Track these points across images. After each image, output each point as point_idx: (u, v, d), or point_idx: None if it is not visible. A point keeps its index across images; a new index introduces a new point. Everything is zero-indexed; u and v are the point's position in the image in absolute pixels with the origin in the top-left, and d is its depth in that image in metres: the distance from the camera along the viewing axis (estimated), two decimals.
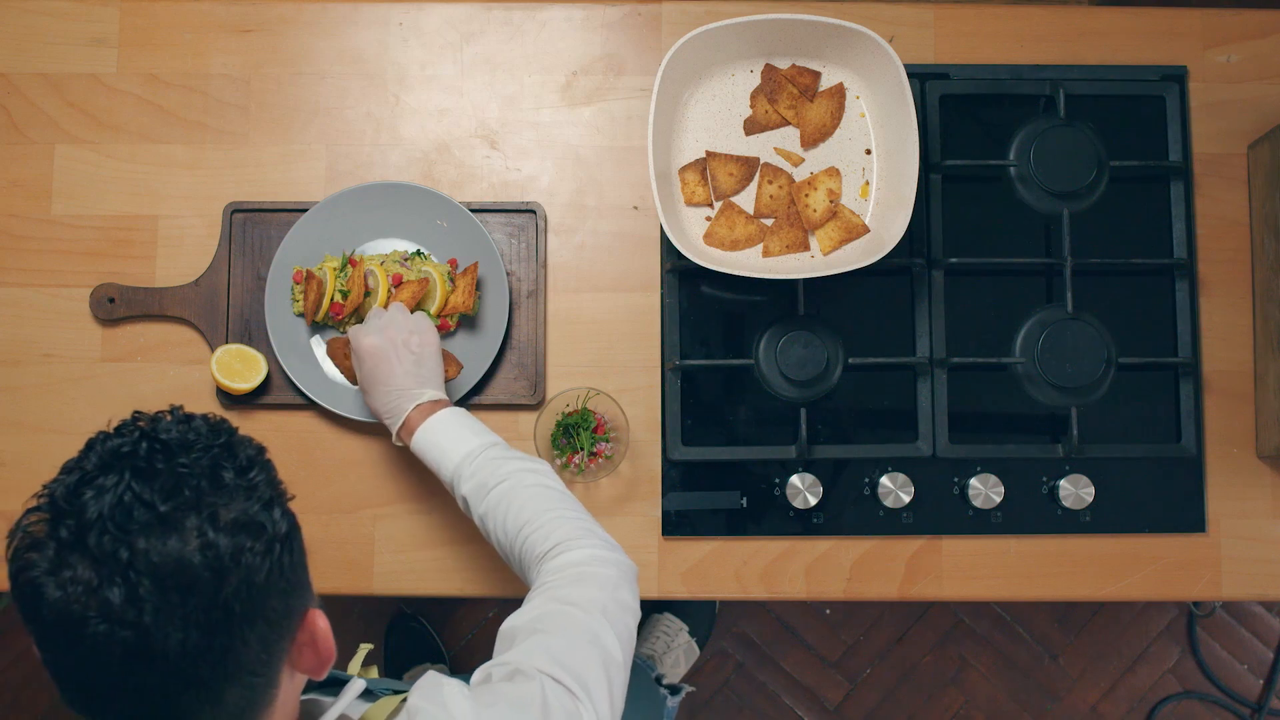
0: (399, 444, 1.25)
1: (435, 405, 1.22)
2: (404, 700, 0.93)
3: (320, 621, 0.84)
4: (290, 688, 0.85)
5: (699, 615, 2.13)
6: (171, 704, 0.76)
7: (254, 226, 1.42)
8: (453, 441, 1.19)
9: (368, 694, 1.02)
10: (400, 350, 1.24)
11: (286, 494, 0.83)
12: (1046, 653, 2.26)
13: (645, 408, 1.40)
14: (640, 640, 2.08)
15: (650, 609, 2.14)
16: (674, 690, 1.71)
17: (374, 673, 1.41)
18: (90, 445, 0.80)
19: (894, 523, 1.38)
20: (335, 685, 1.04)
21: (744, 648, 2.23)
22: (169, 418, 0.81)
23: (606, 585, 1.05)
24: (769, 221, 1.40)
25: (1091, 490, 1.37)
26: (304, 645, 0.83)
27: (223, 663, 0.76)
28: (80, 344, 1.41)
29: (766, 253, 1.38)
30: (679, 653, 2.09)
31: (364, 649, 1.38)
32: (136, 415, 0.82)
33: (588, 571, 1.06)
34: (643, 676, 1.67)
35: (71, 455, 1.37)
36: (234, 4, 1.46)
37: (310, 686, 1.02)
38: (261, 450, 0.83)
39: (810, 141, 1.40)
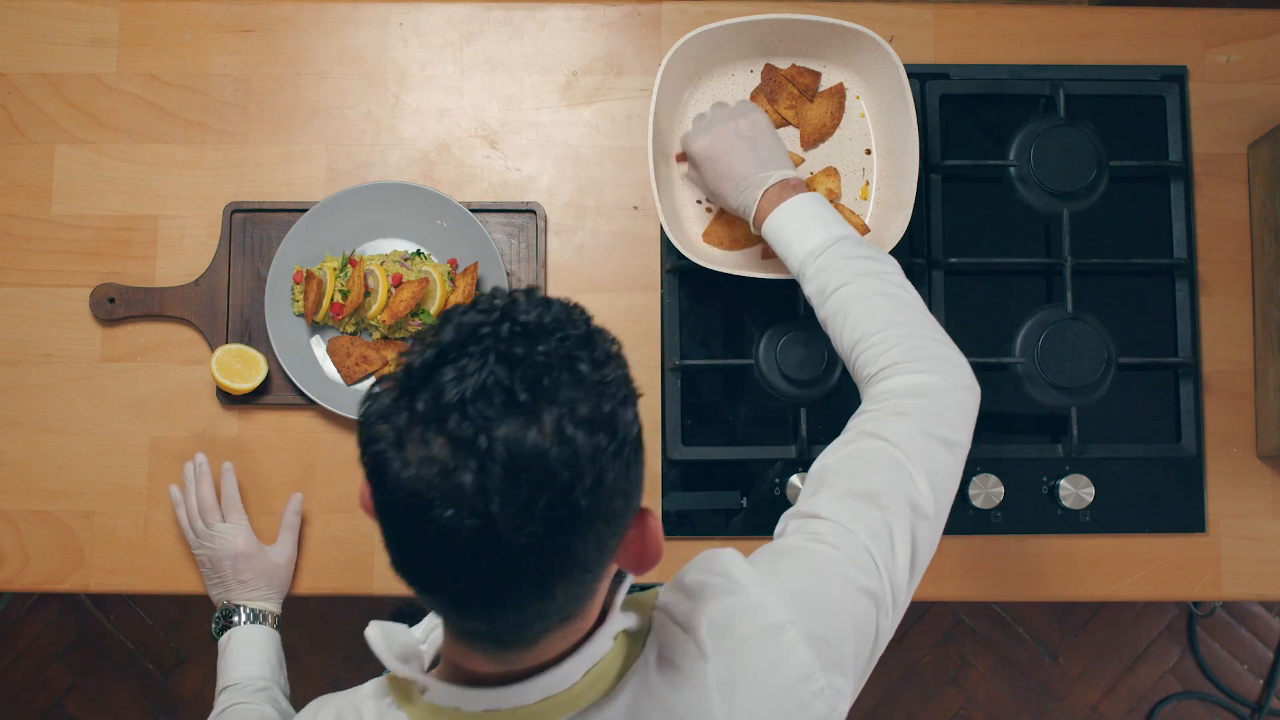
0: (756, 232, 1.21)
1: (783, 190, 1.18)
2: (656, 594, 0.91)
3: (652, 520, 0.81)
4: (608, 579, 0.83)
5: None
6: (503, 593, 0.74)
7: (254, 226, 1.42)
8: (797, 235, 1.15)
9: None
10: (732, 140, 1.22)
11: (638, 393, 0.80)
12: (1046, 653, 2.26)
13: (645, 408, 1.39)
14: None
15: None
16: None
17: None
18: (446, 317, 0.76)
19: None
20: None
21: None
22: (524, 298, 0.77)
23: (928, 419, 0.99)
24: None
25: (1091, 490, 1.37)
26: (632, 543, 0.81)
27: (560, 559, 0.74)
28: (80, 344, 1.41)
29: (766, 254, 1.38)
30: None
31: None
32: (495, 291, 0.78)
33: (912, 404, 1.00)
34: None
35: (71, 455, 1.38)
36: (234, 4, 1.46)
37: None
38: (617, 344, 0.80)
39: (810, 142, 1.40)
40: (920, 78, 1.44)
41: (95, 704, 2.25)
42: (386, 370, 1.38)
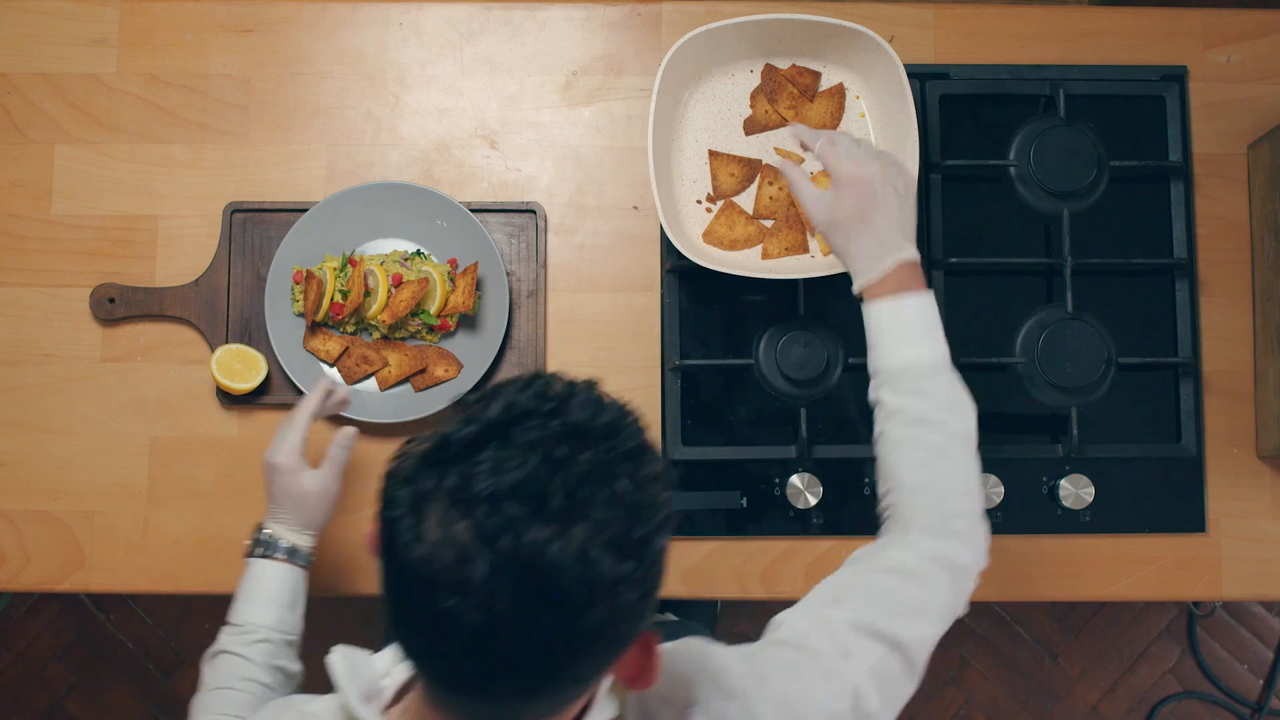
0: (857, 294, 1.13)
1: (905, 274, 1.09)
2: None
3: (656, 644, 0.79)
4: (598, 686, 0.82)
5: (700, 615, 2.14)
6: (488, 688, 0.72)
7: (254, 226, 1.42)
8: (902, 340, 1.08)
9: None
10: (889, 189, 1.11)
11: (673, 519, 0.77)
12: (1046, 653, 2.26)
13: (645, 408, 1.40)
14: None
15: None
16: None
17: None
18: (498, 391, 0.73)
19: None
20: None
21: None
22: (580, 394, 0.74)
23: (952, 593, 1.03)
24: (768, 223, 1.40)
25: (1091, 490, 1.37)
26: (631, 660, 0.78)
27: (554, 675, 0.72)
28: (80, 344, 1.41)
29: (766, 255, 1.38)
30: None
31: None
32: (552, 378, 0.75)
33: (946, 575, 1.03)
34: None
35: (71, 455, 1.38)
36: (234, 4, 1.46)
37: None
38: (665, 464, 0.78)
39: None
40: (920, 78, 1.44)
41: (95, 704, 2.25)
42: (387, 372, 1.38)
